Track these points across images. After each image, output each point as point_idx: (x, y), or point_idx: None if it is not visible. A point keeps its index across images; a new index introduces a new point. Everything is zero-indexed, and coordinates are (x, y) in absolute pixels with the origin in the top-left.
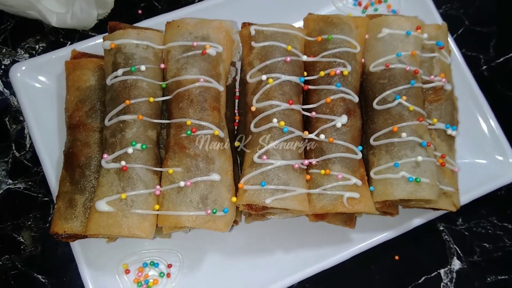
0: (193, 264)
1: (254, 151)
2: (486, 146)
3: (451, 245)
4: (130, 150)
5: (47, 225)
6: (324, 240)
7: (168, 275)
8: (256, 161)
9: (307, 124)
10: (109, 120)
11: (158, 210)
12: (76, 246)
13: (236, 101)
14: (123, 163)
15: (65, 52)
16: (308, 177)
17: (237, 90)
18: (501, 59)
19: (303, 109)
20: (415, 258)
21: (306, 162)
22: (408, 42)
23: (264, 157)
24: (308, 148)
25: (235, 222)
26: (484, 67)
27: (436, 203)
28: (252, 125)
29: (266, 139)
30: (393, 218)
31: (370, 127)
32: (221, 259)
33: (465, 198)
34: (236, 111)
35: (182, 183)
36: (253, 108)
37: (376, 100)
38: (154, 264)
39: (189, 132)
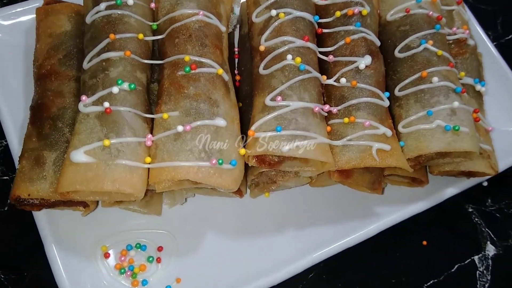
0: (188, 247)
1: (265, 95)
2: None
3: (483, 229)
4: (115, 89)
5: (6, 208)
6: (344, 215)
7: (158, 259)
8: (268, 104)
9: (323, 70)
10: (88, 62)
11: (150, 163)
12: (43, 221)
13: (236, 60)
14: (106, 104)
15: (36, 4)
16: (328, 128)
17: (236, 49)
18: (510, 36)
19: (319, 53)
20: (444, 244)
21: (327, 107)
22: None
23: (279, 98)
24: (325, 97)
25: (239, 193)
26: (494, 43)
27: (473, 164)
28: (260, 67)
29: (280, 79)
30: (422, 189)
31: (393, 78)
32: (223, 240)
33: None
34: (236, 71)
35: (180, 128)
36: (261, 48)
37: (398, 48)
38: (140, 247)
39: (187, 69)
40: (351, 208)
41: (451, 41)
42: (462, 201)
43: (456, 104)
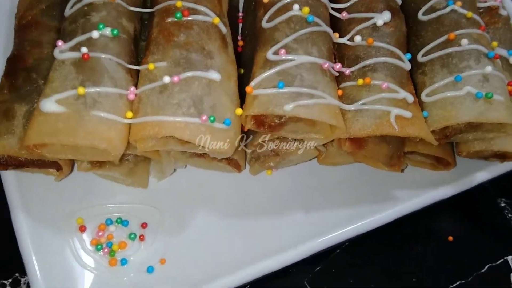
0: (177, 225)
1: (267, 49)
2: None
3: None
4: (95, 34)
5: None
6: (357, 198)
7: (142, 237)
8: (270, 58)
9: (336, 30)
10: (70, 8)
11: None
12: (11, 184)
13: (240, 26)
14: (84, 49)
15: None
16: (339, 92)
17: (240, 14)
18: None
19: (332, 9)
20: (473, 241)
21: (338, 66)
22: None
23: (282, 51)
24: (337, 59)
25: (237, 167)
26: None
27: (508, 142)
28: (264, 21)
29: (284, 32)
30: (448, 173)
31: (416, 44)
32: (216, 219)
33: None
34: (239, 37)
35: (166, 79)
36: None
37: (422, 10)
38: (122, 222)
39: (178, 15)
40: (365, 191)
41: (481, 10)
42: (493, 195)
43: (489, 69)
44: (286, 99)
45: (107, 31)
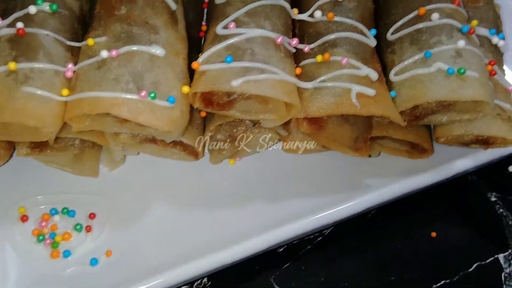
0: (128, 217)
1: (217, 24)
2: None
3: (510, 222)
4: (32, 9)
5: None
6: (325, 187)
7: (88, 228)
8: (219, 32)
9: (296, 6)
10: None
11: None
12: None
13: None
14: (19, 25)
15: None
16: (298, 71)
17: None
18: None
19: None
20: (460, 238)
21: (295, 42)
22: None
23: (232, 25)
24: (298, 38)
25: (194, 155)
26: None
27: (489, 126)
28: None
29: (236, 6)
30: (427, 161)
31: (387, 23)
32: (172, 209)
33: None
34: (204, 23)
35: (104, 53)
36: None
37: None
38: (68, 212)
39: None
40: (336, 179)
41: None
42: (483, 189)
43: (461, 43)
44: (234, 75)
45: (45, 6)
